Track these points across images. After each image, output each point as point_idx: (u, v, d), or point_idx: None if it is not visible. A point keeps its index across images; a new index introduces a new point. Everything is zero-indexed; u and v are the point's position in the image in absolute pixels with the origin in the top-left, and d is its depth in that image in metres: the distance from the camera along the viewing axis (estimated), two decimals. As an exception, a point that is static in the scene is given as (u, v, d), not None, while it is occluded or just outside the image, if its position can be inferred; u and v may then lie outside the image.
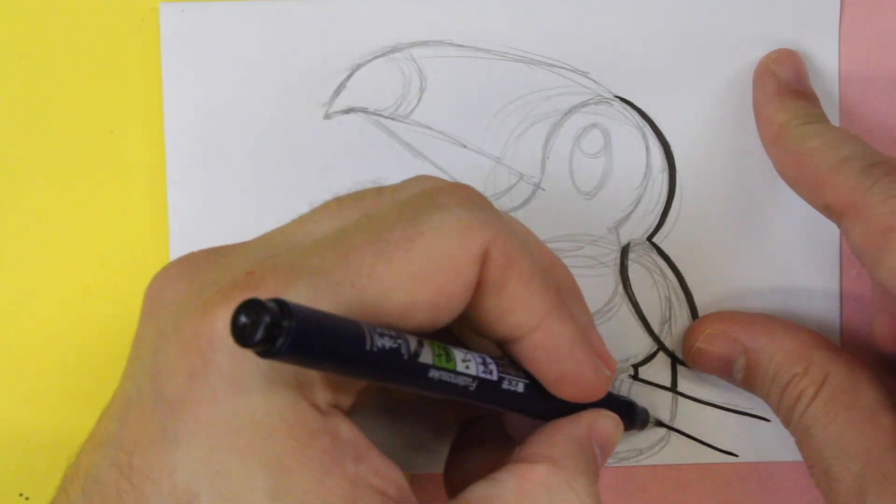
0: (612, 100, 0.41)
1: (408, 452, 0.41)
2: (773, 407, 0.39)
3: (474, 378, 0.30)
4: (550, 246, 0.41)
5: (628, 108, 0.41)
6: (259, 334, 0.24)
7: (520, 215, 0.41)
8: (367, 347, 0.26)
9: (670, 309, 0.41)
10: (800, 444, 0.38)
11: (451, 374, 0.29)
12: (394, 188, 0.32)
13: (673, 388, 0.41)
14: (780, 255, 0.41)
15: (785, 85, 0.39)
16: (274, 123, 0.41)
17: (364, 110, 0.41)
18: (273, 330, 0.24)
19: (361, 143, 0.41)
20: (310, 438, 0.27)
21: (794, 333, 0.38)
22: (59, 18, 0.41)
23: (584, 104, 0.41)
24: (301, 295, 0.27)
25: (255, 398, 0.27)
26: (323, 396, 0.28)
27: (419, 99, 0.41)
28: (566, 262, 0.41)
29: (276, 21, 0.40)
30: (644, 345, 0.42)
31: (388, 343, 0.27)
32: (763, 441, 0.41)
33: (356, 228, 0.29)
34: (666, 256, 0.41)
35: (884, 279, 0.34)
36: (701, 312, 0.41)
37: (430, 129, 0.41)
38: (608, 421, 0.35)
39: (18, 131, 0.41)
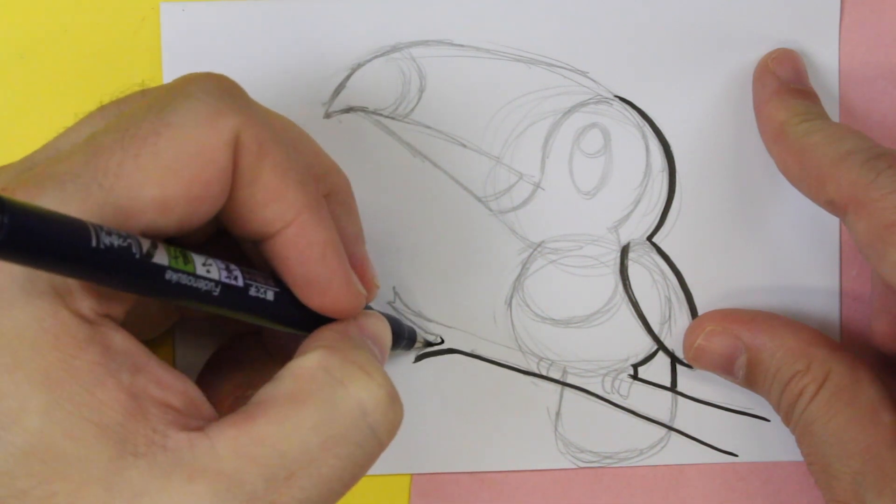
0: (612, 99, 0.41)
1: (408, 451, 0.41)
2: (774, 404, 0.39)
3: (217, 282, 0.29)
4: (550, 245, 0.41)
5: (628, 107, 0.41)
6: None
7: (520, 215, 0.41)
8: (93, 245, 0.25)
9: (670, 309, 0.41)
10: (800, 442, 0.38)
11: (191, 278, 0.29)
12: (157, 87, 0.32)
13: (673, 388, 0.41)
14: (780, 255, 0.41)
15: (785, 84, 0.39)
16: (274, 123, 0.41)
17: (364, 110, 0.41)
18: None
19: (361, 142, 0.41)
20: (76, 349, 0.27)
21: (796, 331, 0.38)
22: (60, 18, 0.41)
23: (583, 104, 0.41)
24: (50, 202, 0.27)
25: (15, 311, 0.27)
26: (87, 305, 0.28)
27: (419, 98, 0.41)
28: (566, 262, 0.41)
29: (276, 21, 0.40)
30: (644, 345, 0.41)
31: (116, 241, 0.26)
32: (763, 441, 0.41)
33: (106, 129, 0.29)
34: (666, 256, 0.41)
35: (887, 274, 0.34)
36: (701, 312, 0.41)
37: (429, 128, 0.41)
38: (372, 319, 0.34)
39: (19, 131, 0.41)
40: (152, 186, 0.28)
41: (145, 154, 0.28)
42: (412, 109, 0.41)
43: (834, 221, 0.41)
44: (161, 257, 0.28)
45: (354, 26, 0.40)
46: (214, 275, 0.30)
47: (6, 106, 0.41)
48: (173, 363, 0.40)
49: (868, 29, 0.41)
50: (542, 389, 0.41)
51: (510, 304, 0.41)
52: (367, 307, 0.35)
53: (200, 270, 0.29)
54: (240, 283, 0.30)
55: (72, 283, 0.27)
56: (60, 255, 0.25)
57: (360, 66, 0.41)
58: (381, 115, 0.41)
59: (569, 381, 0.41)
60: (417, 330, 0.41)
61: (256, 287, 0.31)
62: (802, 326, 0.39)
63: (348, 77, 0.41)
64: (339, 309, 0.33)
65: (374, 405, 0.30)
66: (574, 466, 0.41)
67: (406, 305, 0.41)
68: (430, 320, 0.41)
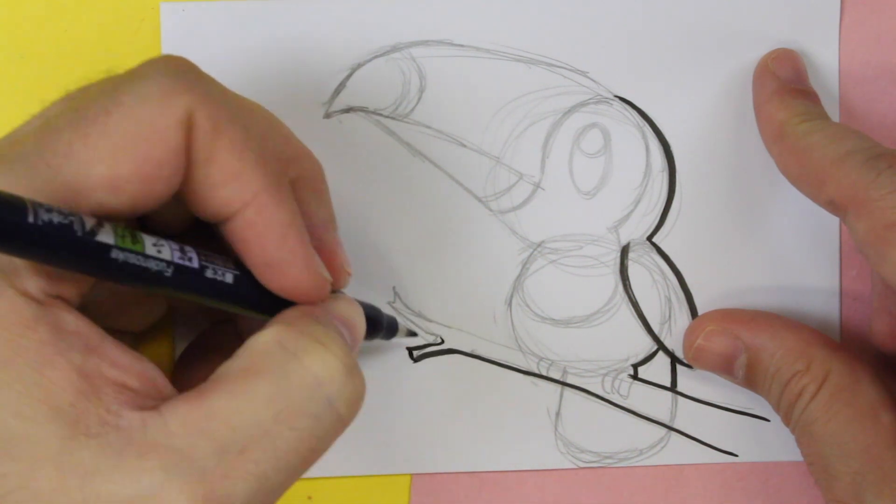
0: (612, 99, 0.41)
1: (408, 451, 0.41)
2: (774, 404, 0.39)
3: (169, 263, 0.29)
4: (550, 245, 0.41)
5: (628, 107, 0.41)
6: None
7: (520, 215, 0.41)
8: (30, 220, 0.25)
9: (670, 309, 0.41)
10: (800, 442, 0.38)
11: (140, 257, 0.28)
12: (121, 72, 0.32)
13: (673, 388, 0.41)
14: (780, 255, 0.41)
15: (785, 84, 0.39)
16: (274, 123, 0.41)
17: (364, 110, 0.41)
18: None
19: (361, 142, 0.41)
20: (23, 328, 0.27)
21: (796, 331, 0.38)
22: (60, 18, 0.41)
23: (583, 104, 0.41)
24: (1, 183, 0.27)
25: None
26: (35, 284, 0.27)
27: (419, 98, 0.41)
28: (566, 262, 0.41)
29: (276, 21, 0.40)
30: (644, 345, 0.41)
31: (56, 218, 0.26)
32: (763, 441, 0.41)
33: (60, 112, 0.29)
34: (666, 256, 0.41)
35: (887, 274, 0.34)
36: (701, 312, 0.41)
37: (429, 128, 0.41)
38: (342, 302, 0.34)
39: (19, 131, 0.41)
40: (101, 165, 0.28)
41: (94, 133, 0.28)
42: (412, 109, 0.41)
43: (834, 221, 0.41)
44: (106, 236, 0.27)
45: (354, 26, 0.40)
46: (166, 255, 0.29)
47: (6, 106, 0.41)
48: (172, 358, 0.40)
49: (868, 29, 0.41)
50: (542, 389, 0.41)
51: (510, 304, 0.41)
52: (340, 293, 0.35)
53: (150, 250, 0.29)
54: (194, 264, 0.30)
55: (18, 263, 0.27)
56: None
57: (360, 66, 0.41)
58: (381, 115, 0.41)
59: (569, 381, 0.41)
60: (400, 320, 0.40)
61: (214, 269, 0.31)
62: (802, 326, 0.39)
63: (348, 77, 0.41)
64: (300, 292, 0.32)
65: (330, 376, 0.30)
66: (574, 466, 0.41)
67: (406, 305, 0.41)
68: (430, 320, 0.41)
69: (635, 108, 0.41)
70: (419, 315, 0.41)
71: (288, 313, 0.32)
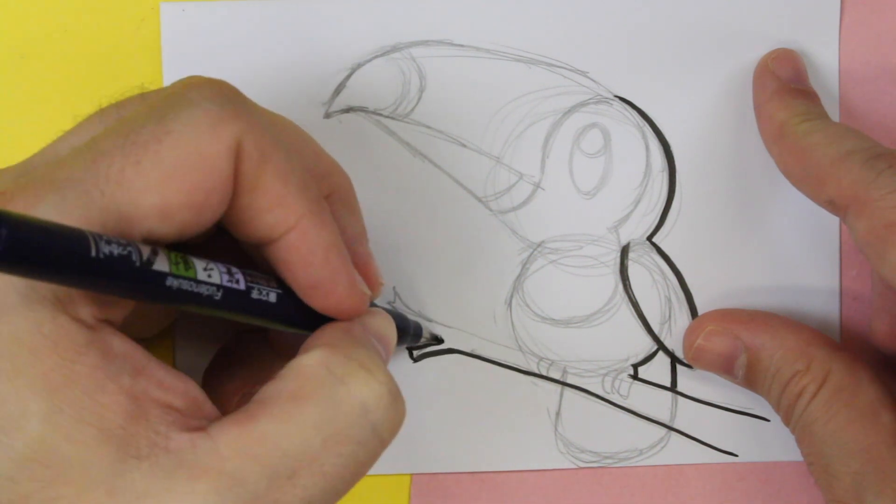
0: (612, 99, 0.41)
1: (408, 451, 0.41)
2: (774, 404, 0.39)
3: (219, 287, 0.29)
4: (550, 245, 0.41)
5: (628, 107, 0.41)
6: None
7: (520, 215, 0.41)
8: (93, 254, 0.25)
9: (670, 309, 0.41)
10: (800, 442, 0.38)
11: (192, 283, 0.29)
12: (157, 91, 0.32)
13: (673, 388, 0.41)
14: (780, 255, 0.41)
15: (785, 84, 0.39)
16: (274, 123, 0.41)
17: (364, 110, 0.41)
18: None
19: (361, 142, 0.41)
20: (76, 354, 0.27)
21: (796, 331, 0.38)
22: (60, 18, 0.41)
23: (583, 104, 0.41)
24: (50, 208, 0.27)
25: (13, 318, 0.27)
26: (87, 311, 0.28)
27: (419, 98, 0.41)
28: (566, 262, 0.41)
29: (276, 21, 0.40)
30: (644, 345, 0.41)
31: (116, 250, 0.26)
32: (763, 441, 0.41)
33: (106, 134, 0.29)
34: (666, 256, 0.41)
35: (887, 274, 0.34)
36: (701, 312, 0.41)
37: (429, 128, 0.41)
38: (377, 317, 0.34)
39: (18, 132, 0.41)
40: (153, 194, 0.28)
41: (147, 161, 0.28)
42: (412, 109, 0.41)
43: (834, 221, 0.41)
44: (162, 264, 0.28)
45: (354, 26, 0.40)
46: (216, 279, 0.30)
47: (6, 106, 0.41)
48: (173, 363, 0.40)
49: (868, 29, 0.41)
50: (542, 389, 0.41)
51: (510, 304, 0.41)
52: (372, 304, 0.35)
53: (202, 276, 0.29)
54: (242, 286, 0.30)
55: (72, 290, 0.27)
56: (60, 267, 0.25)
57: (360, 66, 0.41)
58: (381, 114, 0.41)
59: (569, 381, 0.41)
60: (424, 324, 0.41)
61: (259, 289, 0.31)
62: (802, 326, 0.39)
63: (348, 77, 0.41)
64: (343, 310, 0.32)
65: (376, 403, 0.30)
66: (574, 466, 0.41)
67: (406, 305, 0.41)
68: (430, 320, 0.41)
69: (635, 108, 0.41)
70: (419, 315, 0.41)
71: (329, 333, 0.32)
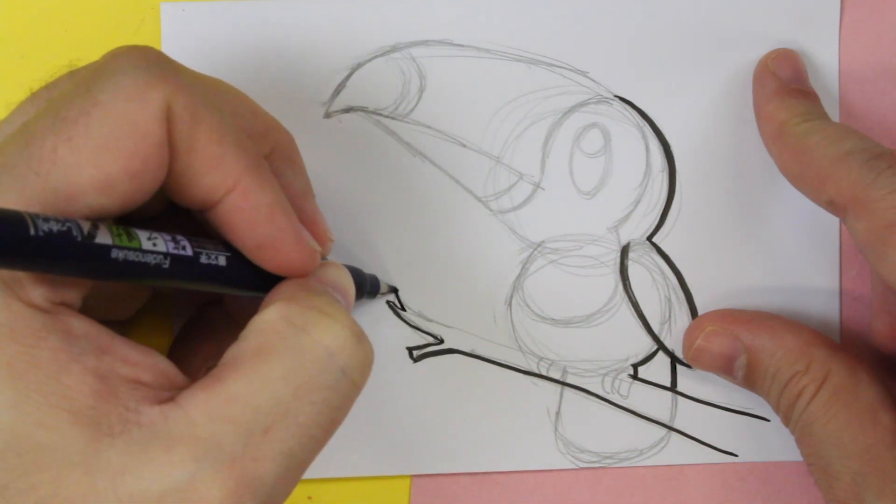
0: (612, 99, 0.41)
1: (408, 452, 0.41)
2: (774, 405, 0.39)
3: (165, 255, 0.29)
4: (550, 245, 0.41)
5: (628, 107, 0.41)
6: None
7: (520, 215, 0.41)
8: (32, 233, 0.25)
9: (670, 309, 0.41)
10: (799, 442, 0.38)
11: (138, 253, 0.28)
12: (84, 66, 0.31)
13: (673, 388, 0.41)
14: (780, 255, 0.41)
15: (785, 84, 0.39)
16: (274, 123, 0.41)
17: (364, 109, 0.41)
18: None
19: (361, 142, 0.41)
20: (35, 339, 0.27)
21: (796, 331, 0.38)
22: (60, 18, 0.41)
23: (583, 104, 0.41)
24: None
25: None
26: (39, 294, 0.28)
27: (419, 98, 0.41)
28: (566, 262, 0.41)
29: (276, 21, 0.40)
30: (644, 344, 0.41)
31: (55, 227, 0.26)
32: (763, 441, 0.41)
33: (37, 116, 0.29)
34: (666, 256, 0.41)
35: (887, 274, 0.34)
36: (701, 312, 0.41)
37: (429, 128, 0.41)
38: (330, 268, 0.34)
39: (19, 131, 0.41)
40: (89, 167, 0.28)
41: (78, 136, 0.28)
42: (412, 109, 0.41)
43: (834, 221, 0.41)
44: (104, 237, 0.27)
45: (354, 26, 0.40)
46: (161, 247, 0.29)
47: (6, 106, 0.41)
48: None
49: (868, 29, 0.41)
50: (541, 389, 0.41)
51: (510, 304, 0.41)
52: (326, 260, 0.35)
53: (146, 245, 0.29)
54: (189, 252, 0.30)
55: (20, 275, 0.27)
56: (1, 250, 0.25)
57: (360, 66, 0.41)
58: (380, 114, 0.41)
59: (569, 380, 0.41)
60: (380, 277, 0.40)
61: (207, 254, 0.31)
62: (802, 327, 0.39)
63: (348, 77, 0.41)
64: (294, 267, 0.32)
65: (341, 346, 0.30)
66: (574, 466, 0.41)
67: (406, 305, 0.41)
68: (430, 320, 0.41)
69: (635, 108, 0.41)
70: (419, 315, 0.41)
71: (284, 288, 0.32)
